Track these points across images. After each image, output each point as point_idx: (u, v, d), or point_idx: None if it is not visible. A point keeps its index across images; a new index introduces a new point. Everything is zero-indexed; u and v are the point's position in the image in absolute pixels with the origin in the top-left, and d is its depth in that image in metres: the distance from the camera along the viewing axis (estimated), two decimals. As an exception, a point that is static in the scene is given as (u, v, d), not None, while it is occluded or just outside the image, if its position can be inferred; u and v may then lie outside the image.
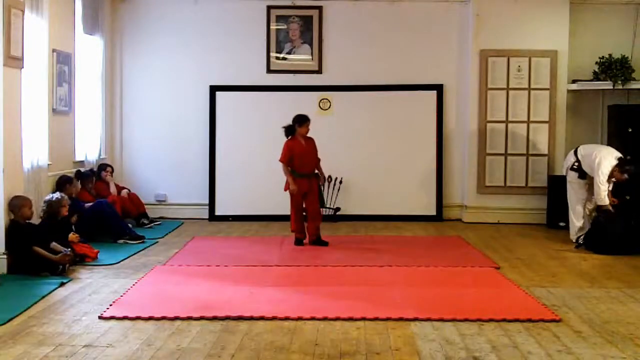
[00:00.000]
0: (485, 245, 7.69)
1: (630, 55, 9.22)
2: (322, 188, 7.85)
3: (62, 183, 7.46)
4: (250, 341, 4.29)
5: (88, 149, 8.69)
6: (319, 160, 7.65)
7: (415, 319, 4.72)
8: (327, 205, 8.75)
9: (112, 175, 8.79)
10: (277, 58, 9.61)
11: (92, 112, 8.89)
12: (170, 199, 9.69)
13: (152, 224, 8.75)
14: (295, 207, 7.55)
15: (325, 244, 7.55)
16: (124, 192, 8.81)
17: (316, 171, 7.64)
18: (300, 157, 7.46)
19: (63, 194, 6.88)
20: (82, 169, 8.37)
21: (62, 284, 5.63)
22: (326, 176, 8.02)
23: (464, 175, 9.52)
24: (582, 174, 7.73)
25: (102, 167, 8.72)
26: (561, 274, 6.29)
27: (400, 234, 8.52)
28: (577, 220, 7.82)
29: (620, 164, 7.37)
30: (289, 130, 7.53)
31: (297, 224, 7.58)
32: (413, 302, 5.18)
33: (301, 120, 7.50)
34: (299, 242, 7.58)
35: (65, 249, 6.23)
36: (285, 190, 7.55)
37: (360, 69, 9.56)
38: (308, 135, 7.56)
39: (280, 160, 7.49)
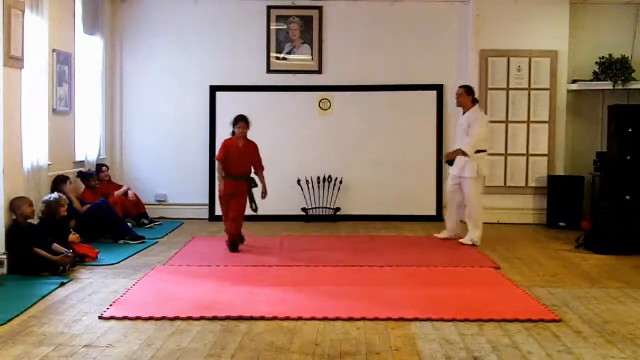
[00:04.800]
0: (485, 245, 7.68)
1: (630, 55, 9.22)
2: (263, 196, 7.37)
3: (57, 182, 7.45)
4: (250, 341, 4.29)
5: (88, 149, 8.68)
6: (262, 168, 7.37)
7: (415, 319, 4.73)
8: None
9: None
10: (277, 58, 9.60)
11: (92, 112, 8.89)
12: (170, 199, 9.68)
13: (152, 224, 8.75)
14: (222, 209, 7.42)
15: (237, 250, 7.23)
16: (131, 193, 8.78)
17: (253, 176, 7.38)
18: (232, 158, 7.26)
19: (61, 194, 6.88)
20: (84, 169, 8.39)
21: (62, 284, 5.63)
22: (267, 190, 7.37)
23: (464, 175, 9.51)
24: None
25: (99, 167, 8.72)
26: (561, 274, 6.29)
27: (400, 234, 8.52)
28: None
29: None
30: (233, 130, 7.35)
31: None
32: (413, 302, 5.19)
33: (234, 121, 7.30)
34: (233, 246, 7.26)
35: (66, 250, 6.23)
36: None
37: (360, 69, 9.56)
38: (250, 139, 7.34)
39: (217, 159, 7.39)
